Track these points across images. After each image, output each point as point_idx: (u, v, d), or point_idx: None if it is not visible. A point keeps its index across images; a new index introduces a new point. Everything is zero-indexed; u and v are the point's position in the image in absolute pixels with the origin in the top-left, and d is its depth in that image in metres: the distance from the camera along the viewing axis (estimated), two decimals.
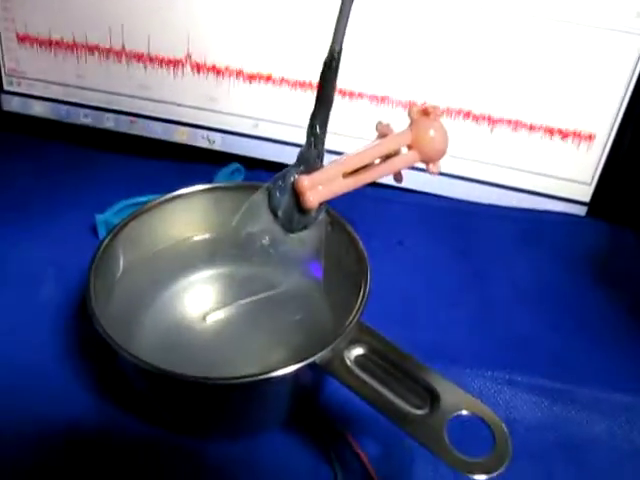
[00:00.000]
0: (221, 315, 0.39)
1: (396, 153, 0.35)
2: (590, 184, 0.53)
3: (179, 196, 0.40)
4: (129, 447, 0.35)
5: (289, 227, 0.35)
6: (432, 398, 0.29)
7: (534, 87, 0.50)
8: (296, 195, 0.34)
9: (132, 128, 0.60)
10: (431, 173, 0.36)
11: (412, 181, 0.55)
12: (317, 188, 0.34)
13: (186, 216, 0.40)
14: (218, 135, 0.58)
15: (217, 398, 0.32)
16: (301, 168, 0.34)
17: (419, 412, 0.28)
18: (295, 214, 0.35)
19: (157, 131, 0.59)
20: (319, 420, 0.36)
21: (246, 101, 0.56)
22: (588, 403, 0.38)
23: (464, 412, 0.28)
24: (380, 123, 0.36)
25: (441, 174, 0.55)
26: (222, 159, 0.56)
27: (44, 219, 0.50)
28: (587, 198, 0.54)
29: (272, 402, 0.33)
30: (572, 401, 0.38)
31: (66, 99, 0.59)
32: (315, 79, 0.34)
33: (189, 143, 0.59)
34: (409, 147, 0.34)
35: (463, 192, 0.55)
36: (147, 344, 0.36)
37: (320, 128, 0.35)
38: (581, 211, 0.54)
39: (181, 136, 0.59)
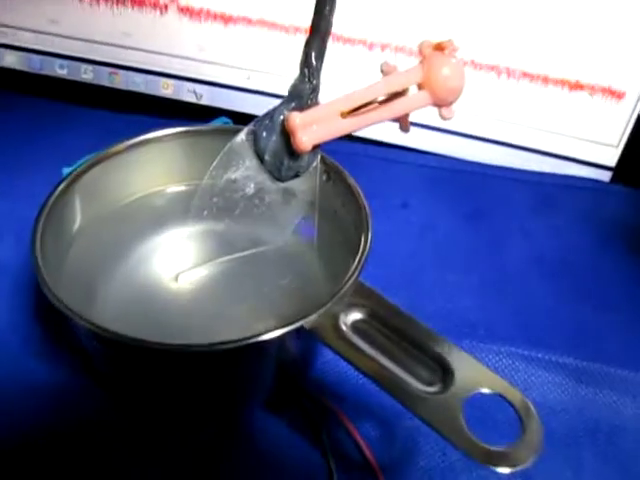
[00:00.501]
0: (197, 277, 0.34)
1: (404, 94, 0.30)
2: (617, 146, 0.48)
3: (149, 140, 0.34)
4: (95, 426, 0.31)
5: (277, 174, 0.31)
6: (445, 372, 0.24)
7: (559, 36, 0.45)
8: (286, 135, 0.29)
9: (112, 81, 0.54)
10: (444, 119, 0.31)
11: (419, 140, 0.50)
12: (311, 127, 0.29)
13: (157, 164, 0.35)
14: (206, 88, 0.53)
15: (189, 369, 0.27)
16: (293, 105, 0.30)
17: (430, 389, 0.23)
18: (285, 159, 0.30)
19: (139, 84, 0.54)
20: (309, 397, 0.31)
21: (237, 50, 0.50)
22: (617, 384, 0.34)
23: (484, 390, 0.23)
24: (386, 64, 0.31)
25: (451, 133, 0.51)
26: (210, 115, 0.51)
27: (8, 173, 0.46)
28: (612, 162, 0.49)
29: (254, 375, 0.28)
30: (599, 382, 0.34)
31: (39, 48, 0.54)
32: None
33: (174, 97, 0.54)
34: (419, 87, 0.29)
35: (475, 153, 0.50)
36: (110, 311, 0.31)
37: (316, 58, 0.30)
38: (605, 176, 0.49)
39: (165, 89, 0.54)
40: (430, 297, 0.37)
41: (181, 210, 0.35)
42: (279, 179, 0.31)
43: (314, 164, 0.31)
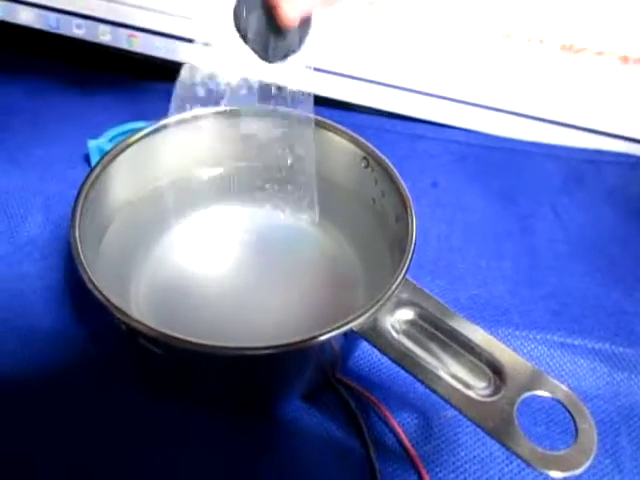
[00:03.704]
0: (230, 262, 0.34)
1: None
2: None
3: (186, 120, 0.33)
4: (125, 414, 0.31)
5: (264, 55, 0.28)
6: (496, 374, 0.24)
7: (596, 8, 0.43)
8: (269, 9, 0.26)
9: (131, 44, 0.52)
10: None
11: (447, 115, 0.49)
12: None
13: (195, 145, 0.34)
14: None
15: (226, 368, 0.27)
16: None
17: (482, 392, 0.23)
18: (270, 37, 0.27)
19: (159, 48, 0.52)
20: (347, 387, 0.31)
21: None
22: None
23: (538, 393, 0.23)
24: None
25: (481, 107, 0.49)
26: None
27: (31, 145, 0.44)
28: None
29: (294, 371, 0.28)
30: (637, 367, 0.34)
31: (56, 5, 0.52)
32: None
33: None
34: None
35: (504, 128, 0.49)
36: (145, 295, 0.31)
37: None
38: (638, 151, 0.48)
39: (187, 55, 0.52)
40: (463, 284, 0.37)
41: (217, 192, 0.35)
42: (267, 60, 0.28)
43: (306, 41, 0.28)
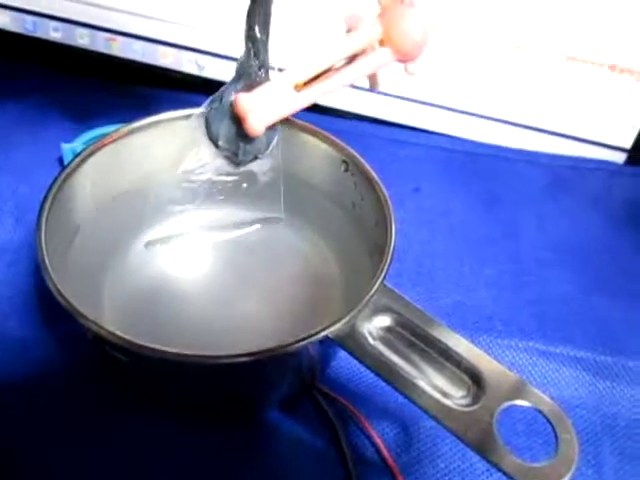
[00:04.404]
0: (205, 267, 0.33)
1: (364, 52, 0.28)
2: (635, 127, 0.47)
3: (160, 122, 0.32)
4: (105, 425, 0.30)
5: (235, 159, 0.29)
6: (475, 383, 0.23)
7: (578, 12, 0.43)
8: (238, 119, 0.28)
9: (109, 47, 0.52)
10: (410, 74, 0.29)
11: (430, 121, 0.48)
12: (262, 108, 0.27)
13: (169, 147, 0.32)
14: (209, 59, 0.50)
15: (202, 376, 0.26)
16: (241, 84, 0.28)
17: (461, 402, 0.22)
18: (240, 143, 0.29)
19: (138, 52, 0.51)
20: (325, 396, 0.30)
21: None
22: (635, 377, 0.33)
23: (518, 402, 0.22)
24: (348, 18, 0.28)
25: (464, 113, 0.49)
26: (214, 89, 0.49)
27: (3, 147, 0.43)
28: (628, 144, 0.47)
29: (270, 380, 0.27)
30: (619, 376, 0.33)
31: (32, 8, 0.51)
32: None
33: (174, 67, 0.51)
34: (380, 43, 0.27)
35: (488, 134, 0.49)
36: (119, 305, 0.30)
37: (260, 30, 0.28)
38: (619, 158, 0.48)
39: (165, 59, 0.51)
40: (445, 290, 0.36)
41: (189, 195, 0.34)
42: (237, 164, 0.29)
43: (274, 142, 0.30)
